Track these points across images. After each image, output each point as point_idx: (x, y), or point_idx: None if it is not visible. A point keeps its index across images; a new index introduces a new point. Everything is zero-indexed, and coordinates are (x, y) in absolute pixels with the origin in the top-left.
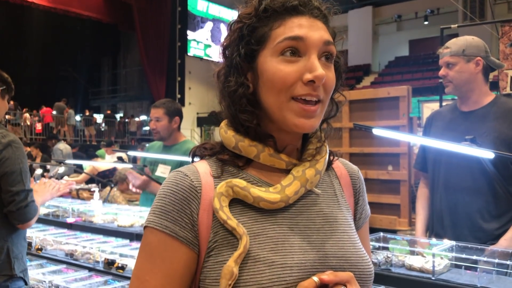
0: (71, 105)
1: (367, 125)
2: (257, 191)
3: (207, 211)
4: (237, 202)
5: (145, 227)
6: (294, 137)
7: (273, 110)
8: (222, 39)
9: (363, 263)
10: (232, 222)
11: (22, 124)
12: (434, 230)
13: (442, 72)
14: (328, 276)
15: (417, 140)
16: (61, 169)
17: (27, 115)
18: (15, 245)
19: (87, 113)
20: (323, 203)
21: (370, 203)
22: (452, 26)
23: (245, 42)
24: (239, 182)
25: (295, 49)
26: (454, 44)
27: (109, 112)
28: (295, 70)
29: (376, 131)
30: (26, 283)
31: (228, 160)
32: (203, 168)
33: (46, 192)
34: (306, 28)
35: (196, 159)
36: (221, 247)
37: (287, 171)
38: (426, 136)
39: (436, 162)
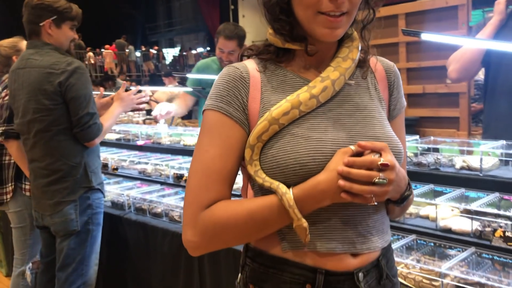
0: (130, 41)
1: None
2: (273, 114)
3: (255, 99)
4: None
5: (204, 111)
6: (326, 45)
7: (303, 22)
8: None
9: (392, 143)
10: (267, 183)
11: (87, 62)
12: (493, 133)
13: None
14: (365, 142)
15: (470, 43)
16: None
17: (91, 53)
18: (91, 161)
19: (143, 49)
20: (355, 94)
21: (427, 118)
22: None
23: None
24: (257, 131)
25: None
26: None
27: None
28: None
29: (425, 36)
30: (104, 196)
31: (269, 59)
32: (250, 64)
33: (128, 101)
34: None
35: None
36: None
37: (324, 67)
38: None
39: (495, 64)
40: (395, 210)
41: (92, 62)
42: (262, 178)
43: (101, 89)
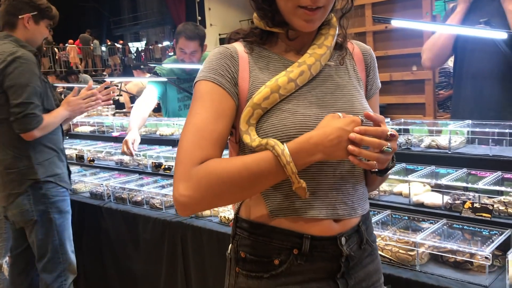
0: (95, 36)
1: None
2: (254, 100)
3: (244, 79)
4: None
5: (195, 83)
6: (304, 33)
7: (283, 13)
8: None
9: None
10: (255, 142)
11: (51, 57)
12: (460, 117)
13: None
14: (371, 113)
15: (436, 28)
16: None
17: (55, 49)
18: (39, 153)
19: (108, 43)
20: (335, 75)
21: (395, 105)
22: None
23: None
24: (244, 116)
25: None
26: None
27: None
28: None
29: (395, 23)
30: (65, 188)
31: (254, 41)
32: (238, 46)
33: (75, 105)
34: None
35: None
36: None
37: (305, 51)
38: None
39: (461, 50)
40: (376, 181)
41: (57, 57)
42: (266, 143)
43: (90, 82)
